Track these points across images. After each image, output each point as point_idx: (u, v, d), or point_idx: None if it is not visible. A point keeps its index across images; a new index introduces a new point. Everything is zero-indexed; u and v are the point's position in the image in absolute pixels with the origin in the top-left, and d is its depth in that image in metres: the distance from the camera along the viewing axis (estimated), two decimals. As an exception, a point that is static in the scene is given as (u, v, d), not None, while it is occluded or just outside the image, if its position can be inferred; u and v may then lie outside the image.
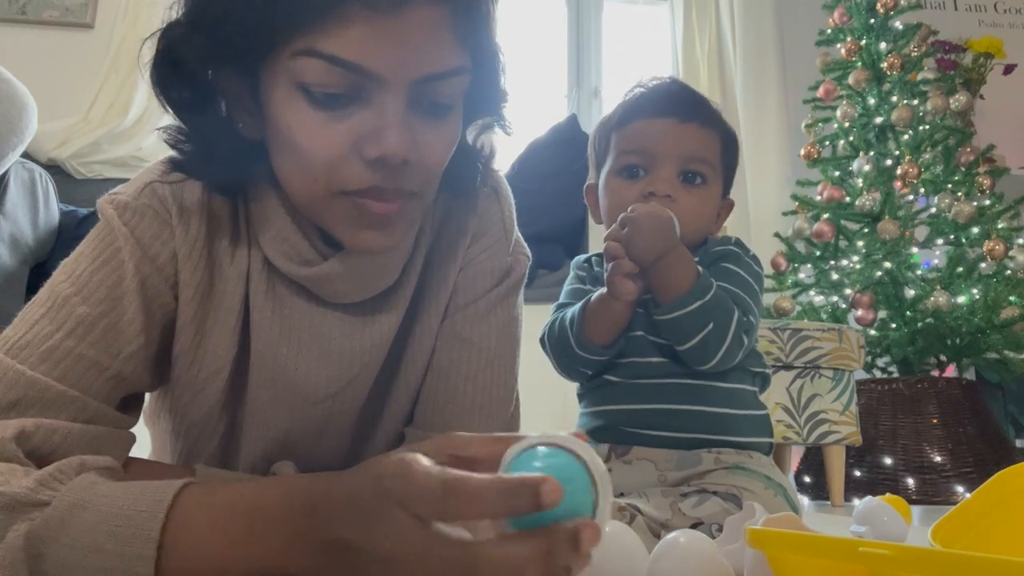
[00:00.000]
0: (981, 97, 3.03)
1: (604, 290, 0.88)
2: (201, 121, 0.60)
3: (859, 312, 2.18)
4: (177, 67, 0.57)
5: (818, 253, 2.41)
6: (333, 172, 0.56)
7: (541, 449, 0.39)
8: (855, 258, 2.32)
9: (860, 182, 2.39)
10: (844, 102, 2.50)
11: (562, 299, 0.99)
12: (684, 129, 0.92)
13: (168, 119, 0.62)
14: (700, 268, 0.86)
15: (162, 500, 0.46)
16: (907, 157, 2.31)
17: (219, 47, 0.55)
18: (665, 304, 0.85)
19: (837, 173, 2.50)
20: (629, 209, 0.86)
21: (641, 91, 0.97)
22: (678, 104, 0.94)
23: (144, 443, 0.70)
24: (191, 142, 0.61)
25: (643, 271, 0.86)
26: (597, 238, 2.37)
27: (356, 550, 0.40)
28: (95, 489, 0.48)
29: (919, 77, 2.47)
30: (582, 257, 1.04)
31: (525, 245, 0.77)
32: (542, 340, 0.96)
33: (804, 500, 2.07)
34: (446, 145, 0.60)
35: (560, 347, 0.92)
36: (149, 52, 0.57)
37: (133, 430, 0.63)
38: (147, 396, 0.74)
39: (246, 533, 0.45)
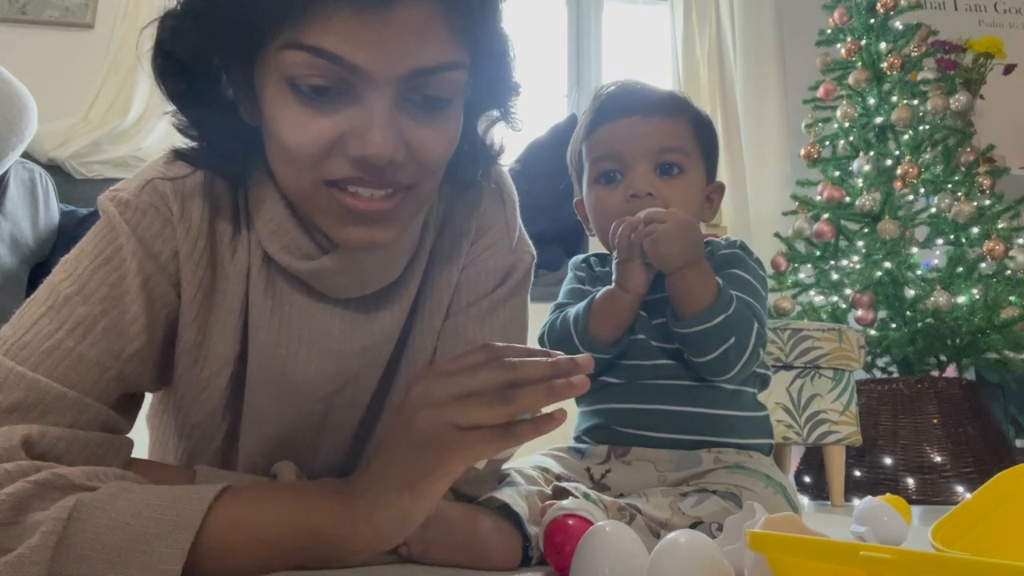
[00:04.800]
0: (981, 97, 3.02)
1: (611, 287, 0.88)
2: (198, 110, 0.60)
3: (859, 312, 2.18)
4: (171, 58, 0.57)
5: (818, 253, 2.41)
6: (317, 166, 0.55)
7: None
8: (855, 258, 2.32)
9: (860, 182, 2.39)
10: (844, 102, 2.50)
11: (561, 299, 0.99)
12: (649, 123, 0.91)
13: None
14: (719, 280, 0.85)
15: (215, 488, 0.50)
16: (907, 157, 2.31)
17: (208, 41, 0.55)
18: (688, 318, 0.83)
19: (837, 173, 2.49)
20: (661, 211, 0.84)
21: (601, 98, 0.96)
22: (638, 100, 0.93)
23: (141, 446, 0.70)
24: (192, 131, 0.61)
25: (649, 267, 0.85)
26: (596, 238, 2.37)
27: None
28: (142, 485, 0.52)
29: (919, 77, 2.46)
30: (580, 257, 1.04)
31: (529, 243, 0.77)
32: (541, 339, 0.95)
33: (804, 500, 2.07)
34: (443, 141, 0.58)
35: (562, 345, 0.91)
36: (148, 42, 0.57)
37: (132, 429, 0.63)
38: (148, 397, 0.74)
39: (294, 495, 0.54)
